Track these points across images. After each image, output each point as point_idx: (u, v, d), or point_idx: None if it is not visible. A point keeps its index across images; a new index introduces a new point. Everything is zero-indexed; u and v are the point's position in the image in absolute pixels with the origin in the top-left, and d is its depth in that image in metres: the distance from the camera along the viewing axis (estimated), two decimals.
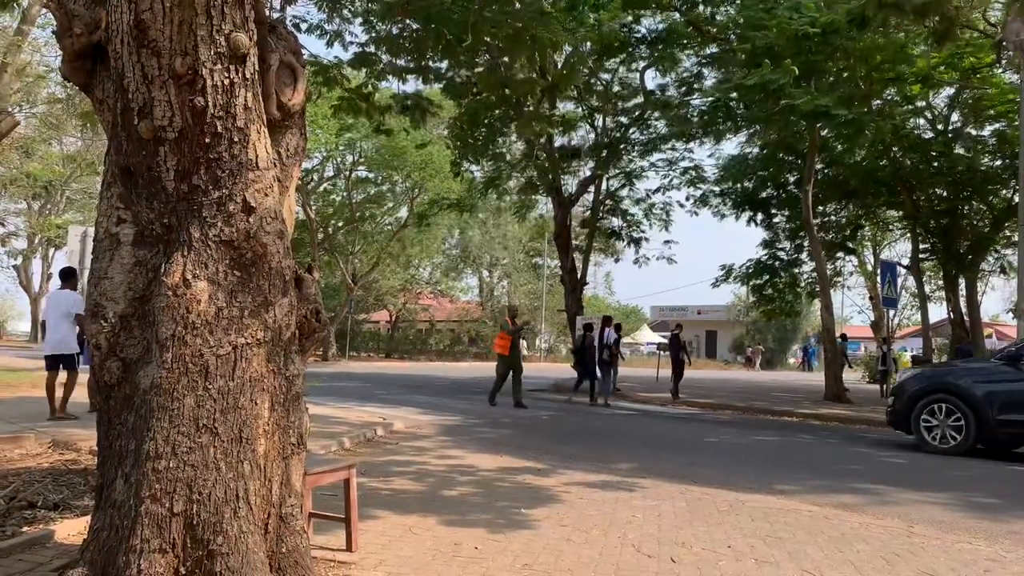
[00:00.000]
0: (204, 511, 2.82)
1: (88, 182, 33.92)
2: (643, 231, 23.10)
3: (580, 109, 21.75)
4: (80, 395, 9.10)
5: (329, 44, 11.87)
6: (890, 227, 27.04)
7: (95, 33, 3.07)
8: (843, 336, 22.08)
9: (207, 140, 2.91)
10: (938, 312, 39.42)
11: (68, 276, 9.74)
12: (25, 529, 4.18)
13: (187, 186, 2.97)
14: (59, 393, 9.10)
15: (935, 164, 18.63)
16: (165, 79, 2.80)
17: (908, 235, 22.97)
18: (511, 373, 14.02)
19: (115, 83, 2.97)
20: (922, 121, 18.98)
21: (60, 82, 17.71)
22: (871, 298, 35.12)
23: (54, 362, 9.19)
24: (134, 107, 2.88)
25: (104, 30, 2.98)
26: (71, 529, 4.17)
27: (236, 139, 2.96)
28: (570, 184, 22.37)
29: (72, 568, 2.88)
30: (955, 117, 18.85)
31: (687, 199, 22.79)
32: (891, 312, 22.37)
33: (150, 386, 2.90)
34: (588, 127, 22.37)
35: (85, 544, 3.01)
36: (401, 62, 12.65)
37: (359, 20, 12.31)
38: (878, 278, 21.39)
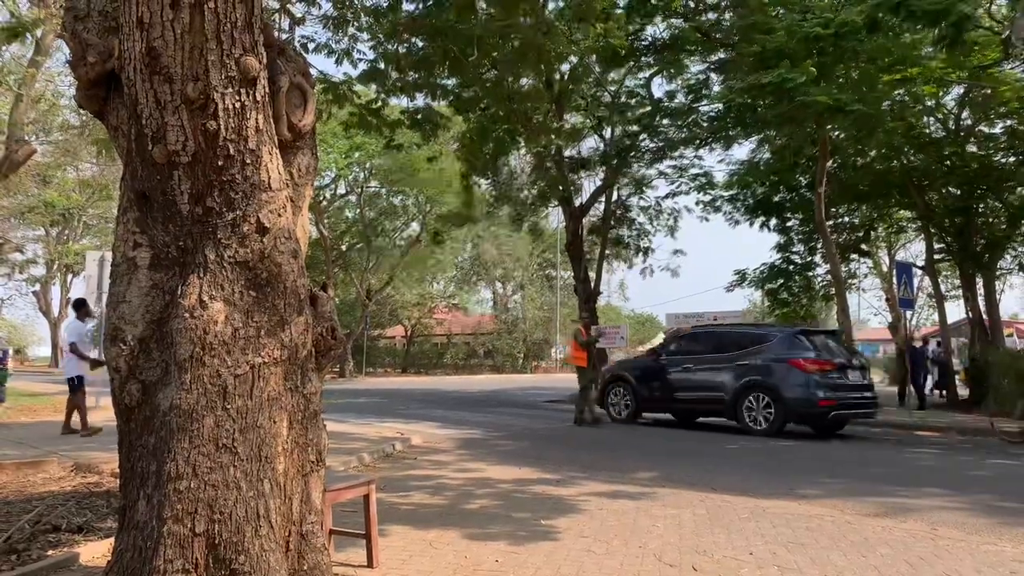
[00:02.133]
0: (226, 531, 2.84)
1: (104, 207, 34.33)
2: (650, 240, 23.11)
3: (588, 119, 21.79)
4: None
5: (338, 62, 11.95)
6: (904, 228, 26.83)
7: (108, 61, 3.13)
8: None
9: (220, 163, 2.95)
10: (956, 312, 39.03)
11: (77, 307, 10.48)
12: (50, 553, 4.22)
13: (201, 209, 3.01)
14: (76, 417, 9.80)
15: (947, 163, 18.49)
16: (178, 104, 2.85)
17: (922, 235, 22.77)
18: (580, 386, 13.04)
19: (129, 110, 3.02)
20: (932, 120, 18.87)
21: (74, 109, 17.96)
22: (887, 300, 34.85)
23: (68, 385, 9.99)
24: (148, 133, 2.92)
25: (117, 58, 3.04)
26: (95, 552, 4.20)
27: (248, 161, 3.00)
28: (581, 195, 22.40)
29: None
30: (965, 114, 18.72)
31: (697, 204, 22.73)
32: (908, 313, 22.18)
33: (169, 407, 2.93)
34: (597, 137, 22.41)
35: (109, 566, 3.04)
36: (409, 78, 12.74)
37: (367, 35, 12.41)
38: (894, 279, 21.22)
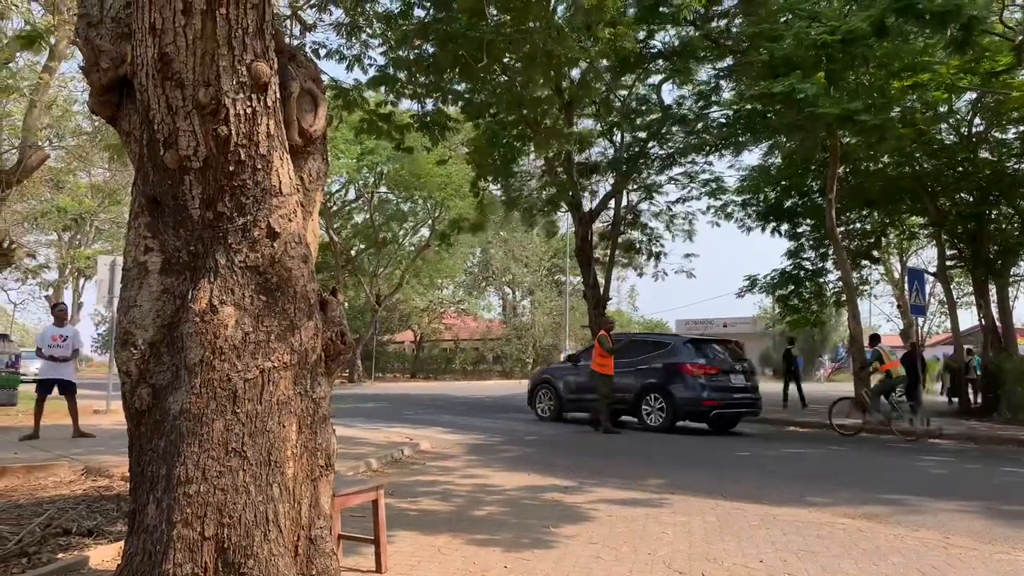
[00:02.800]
0: (235, 535, 2.84)
1: (116, 212, 34.54)
2: (663, 244, 23.08)
3: (598, 125, 21.79)
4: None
5: (349, 68, 12.11)
6: (916, 234, 26.68)
7: (121, 67, 3.15)
8: (790, 340, 22.11)
9: (231, 168, 2.96)
10: (969, 319, 38.74)
11: (54, 311, 11.12)
12: (60, 556, 4.23)
13: (212, 214, 3.02)
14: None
15: (959, 169, 18.39)
16: (189, 110, 2.86)
17: (934, 242, 22.64)
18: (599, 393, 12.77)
19: (141, 115, 3.04)
20: (944, 126, 18.78)
21: (87, 115, 18.10)
22: (899, 306, 34.66)
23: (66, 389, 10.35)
24: (160, 138, 2.94)
25: (130, 64, 3.06)
26: (105, 555, 4.21)
27: (259, 166, 3.01)
28: (590, 200, 22.39)
29: None
30: (977, 120, 18.62)
31: (708, 209, 22.69)
32: (920, 320, 22.06)
33: (179, 411, 2.94)
34: (607, 143, 22.41)
35: (119, 570, 3.04)
36: (420, 82, 12.79)
37: (378, 42, 12.48)
38: (906, 286, 21.08)
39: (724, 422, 13.29)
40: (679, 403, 12.58)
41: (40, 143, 17.37)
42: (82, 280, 48.41)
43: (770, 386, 21.42)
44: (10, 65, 15.16)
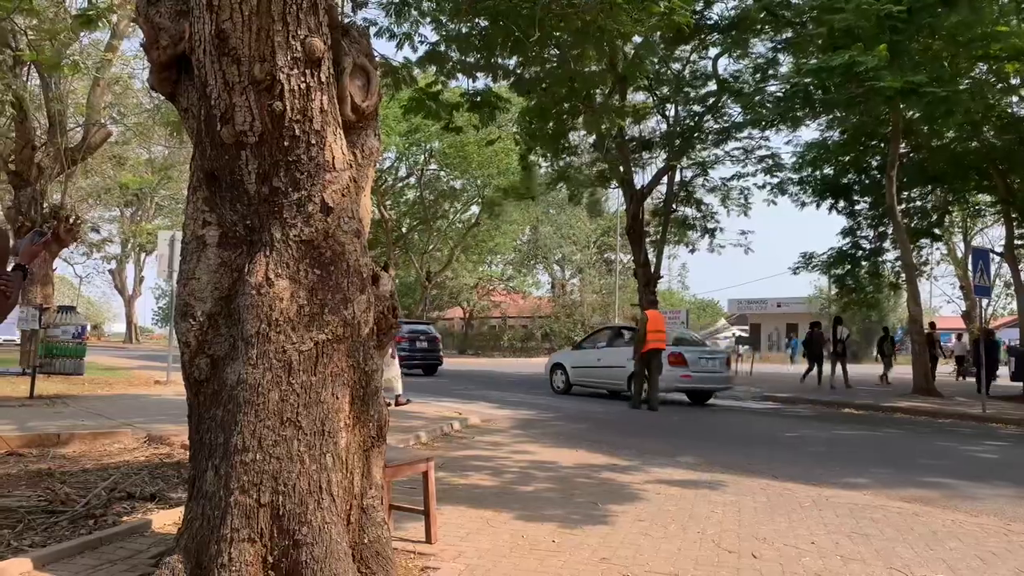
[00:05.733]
0: (289, 502, 2.91)
1: (175, 188, 35.46)
2: (718, 220, 22.70)
3: (651, 99, 21.44)
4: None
5: (399, 47, 12.03)
6: (982, 212, 25.72)
7: (180, 44, 3.20)
8: (932, 325, 21.26)
9: (286, 143, 3.00)
10: None
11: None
12: (125, 519, 4.40)
13: (268, 188, 3.07)
14: None
15: None
16: (245, 85, 2.90)
17: (1002, 220, 21.78)
18: (646, 371, 13.06)
19: (199, 91, 3.09)
20: (1015, 99, 17.98)
21: (147, 92, 18.53)
22: (962, 287, 33.54)
23: None
24: (216, 114, 2.99)
25: (188, 41, 3.11)
26: (166, 519, 4.37)
27: (313, 142, 3.04)
28: (642, 176, 22.12)
29: (168, 555, 3.02)
30: None
31: (764, 186, 22.20)
32: (984, 302, 21.35)
33: (236, 382, 3.02)
34: (660, 117, 22.05)
35: (180, 533, 3.15)
36: (470, 59, 12.73)
37: (428, 20, 12.44)
38: (969, 266, 20.36)
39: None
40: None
41: (103, 120, 17.87)
42: (143, 255, 49.95)
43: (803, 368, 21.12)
44: (74, 45, 15.58)
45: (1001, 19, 13.47)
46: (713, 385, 14.84)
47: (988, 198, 22.36)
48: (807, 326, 22.77)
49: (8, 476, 5.45)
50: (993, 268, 21.85)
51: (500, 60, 13.32)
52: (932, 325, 21.43)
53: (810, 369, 20.29)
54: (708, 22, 18.10)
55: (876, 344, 21.15)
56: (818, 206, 22.03)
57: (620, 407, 13.16)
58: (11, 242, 2.85)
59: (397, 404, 11.21)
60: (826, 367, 19.44)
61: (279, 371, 2.98)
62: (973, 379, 20.24)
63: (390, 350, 11.27)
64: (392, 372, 11.29)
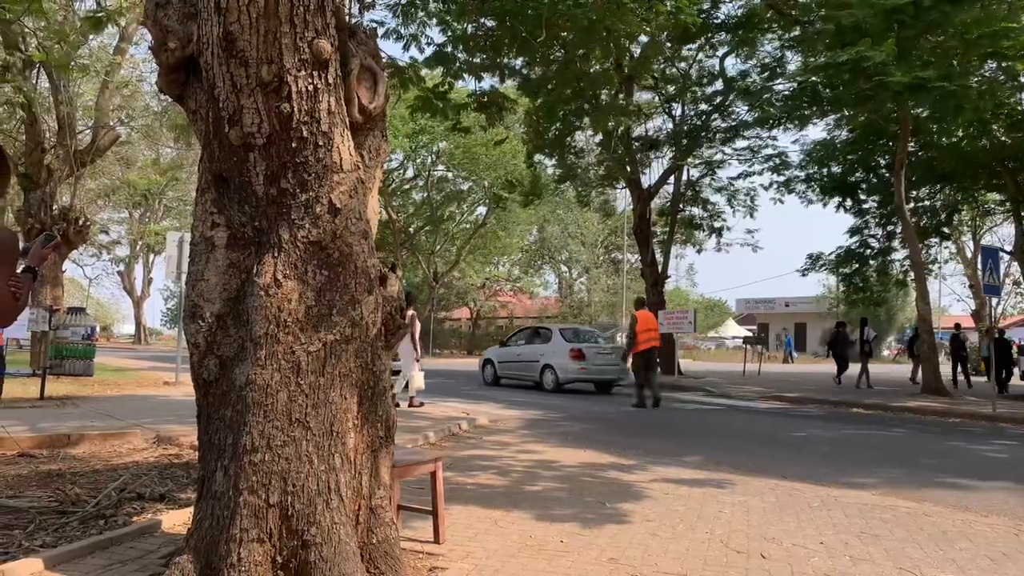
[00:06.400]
0: (298, 502, 2.92)
1: (183, 190, 35.60)
2: (724, 219, 22.66)
3: (657, 98, 21.41)
4: None
5: (406, 48, 12.12)
6: (991, 211, 25.57)
7: (188, 46, 3.22)
8: (957, 326, 21.15)
9: (293, 145, 3.01)
10: None
11: None
12: (135, 519, 4.43)
13: (276, 190, 3.08)
14: None
15: None
16: (253, 87, 2.92)
17: (1011, 219, 21.66)
18: (645, 369, 13.29)
19: (207, 93, 3.11)
20: None
21: (155, 94, 18.62)
22: (971, 286, 33.39)
23: None
24: (224, 115, 3.00)
25: (196, 43, 3.12)
26: (176, 520, 4.39)
27: (321, 143, 3.05)
28: (649, 176, 22.09)
29: (178, 555, 3.04)
30: None
31: (771, 185, 22.14)
32: (994, 300, 21.24)
33: (245, 382, 3.03)
34: (666, 116, 22.02)
35: (189, 533, 3.17)
36: (477, 60, 12.73)
37: (435, 21, 12.46)
38: (978, 265, 20.26)
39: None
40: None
41: (111, 123, 17.96)
42: (151, 256, 50.14)
43: (827, 367, 20.95)
44: (83, 48, 15.66)
45: (1010, 17, 13.39)
46: (609, 376, 16.66)
47: (997, 197, 22.23)
48: (812, 326, 22.70)
49: (19, 477, 5.49)
50: (1003, 267, 21.74)
51: (507, 60, 13.33)
52: (957, 326, 21.30)
53: (842, 369, 19.85)
54: (715, 21, 18.07)
55: (906, 344, 21.20)
56: (825, 204, 21.97)
57: (625, 407, 13.14)
58: (20, 244, 2.87)
59: (411, 405, 11.26)
60: (855, 367, 19.18)
61: (288, 372, 2.99)
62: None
63: (415, 353, 11.40)
64: (417, 376, 11.42)
